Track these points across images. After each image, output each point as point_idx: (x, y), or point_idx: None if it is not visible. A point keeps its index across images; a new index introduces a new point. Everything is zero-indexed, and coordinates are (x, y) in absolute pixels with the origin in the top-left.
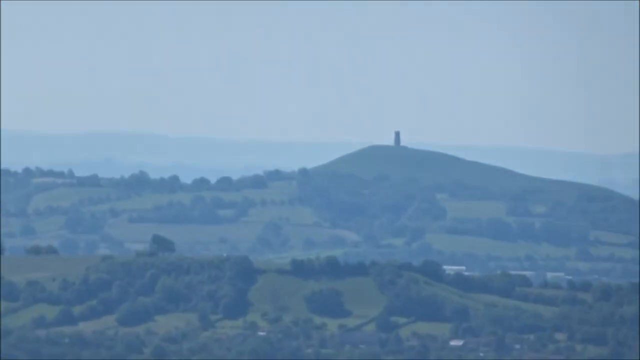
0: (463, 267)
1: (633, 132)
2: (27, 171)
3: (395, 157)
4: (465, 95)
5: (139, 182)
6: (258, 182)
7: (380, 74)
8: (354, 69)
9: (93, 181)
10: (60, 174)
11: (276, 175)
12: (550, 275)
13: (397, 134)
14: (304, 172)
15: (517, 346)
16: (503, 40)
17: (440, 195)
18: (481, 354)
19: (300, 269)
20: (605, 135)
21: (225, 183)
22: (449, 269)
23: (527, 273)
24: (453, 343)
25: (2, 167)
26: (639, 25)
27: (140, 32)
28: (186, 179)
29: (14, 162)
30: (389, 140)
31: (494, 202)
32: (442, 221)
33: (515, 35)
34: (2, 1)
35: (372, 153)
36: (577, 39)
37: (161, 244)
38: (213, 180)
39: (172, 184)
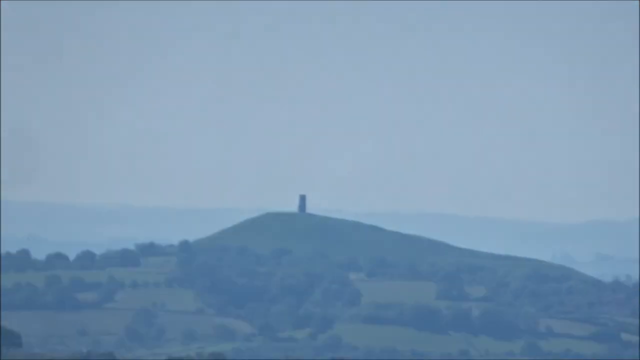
0: None
1: (594, 195)
2: None
3: (299, 226)
4: (384, 152)
5: None
6: (128, 258)
7: (276, 124)
8: (242, 117)
9: None
10: None
11: (150, 249)
12: None
13: (303, 198)
14: (185, 245)
15: None
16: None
17: (355, 274)
18: None
19: None
20: (560, 199)
21: (87, 259)
22: None
23: None
24: None
25: None
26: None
27: None
28: (38, 254)
29: None
30: (291, 206)
31: (421, 282)
32: (357, 307)
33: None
34: None
35: (270, 222)
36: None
37: (5, 336)
38: (72, 255)
39: (21, 260)
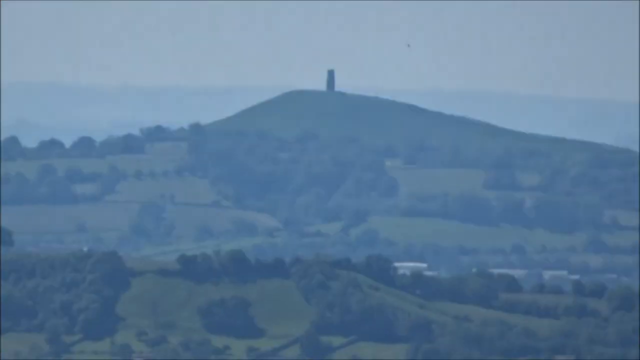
0: (424, 265)
1: None
2: None
3: (327, 106)
4: (424, 21)
5: None
6: (131, 144)
7: None
8: None
9: None
10: None
11: (157, 134)
12: (548, 274)
13: (331, 74)
14: (197, 129)
15: None
16: None
17: (391, 161)
18: None
19: (191, 269)
20: (624, 73)
21: (85, 147)
22: (404, 266)
23: (515, 272)
24: None
25: None
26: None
27: None
28: (29, 141)
29: None
30: (318, 84)
31: (467, 170)
32: (394, 199)
33: None
34: None
35: (294, 101)
36: None
37: None
38: (67, 142)
39: (9, 148)
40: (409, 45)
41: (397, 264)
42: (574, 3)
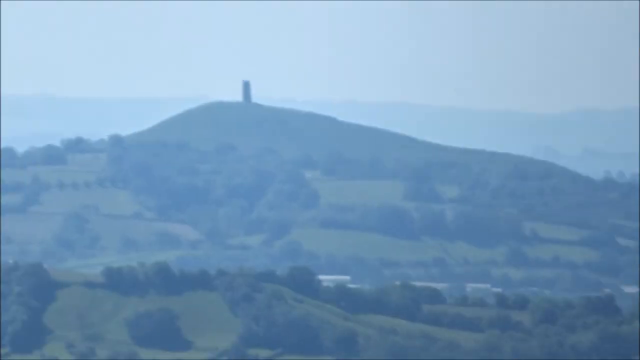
0: (347, 277)
1: (581, 82)
2: None
3: (245, 118)
4: (340, 31)
5: None
6: (53, 155)
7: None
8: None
9: None
10: None
11: (78, 145)
12: (470, 287)
13: (247, 85)
14: (117, 140)
15: None
16: None
17: (311, 172)
18: None
19: (117, 281)
20: (542, 86)
21: (7, 157)
22: (328, 279)
23: (437, 285)
24: None
25: None
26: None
27: None
28: None
29: None
30: (234, 95)
31: (387, 181)
32: (315, 210)
33: None
34: None
35: (212, 113)
36: None
37: None
38: None
39: None
40: None
41: (321, 277)
42: (487, 13)
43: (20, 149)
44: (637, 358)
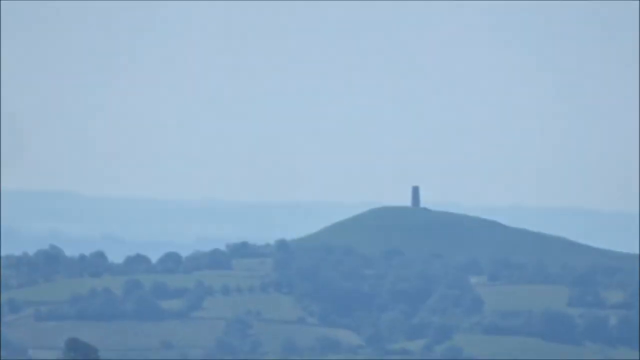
0: None
1: None
2: None
3: (412, 223)
4: (503, 138)
5: (48, 261)
6: (218, 260)
7: (385, 108)
8: (342, 102)
9: None
10: None
11: (243, 250)
12: None
13: (416, 190)
14: (282, 245)
15: None
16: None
17: (476, 278)
18: None
19: None
20: None
21: (172, 262)
22: None
23: None
24: None
25: None
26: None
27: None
28: (116, 256)
29: None
30: (403, 200)
31: (551, 286)
32: (478, 315)
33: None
34: None
35: (379, 218)
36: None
37: (80, 350)
38: (154, 258)
39: (95, 263)
40: None
41: None
42: None
43: (185, 253)
44: None
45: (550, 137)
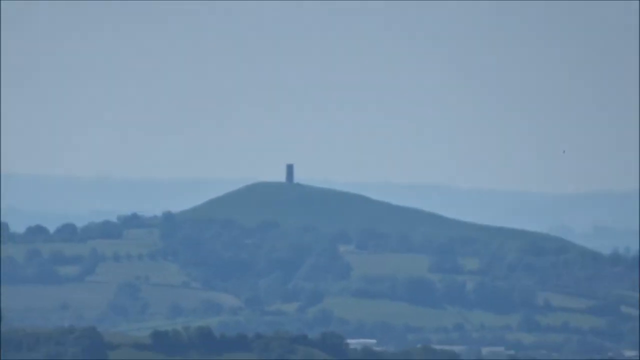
0: (374, 341)
1: (593, 166)
2: None
3: (286, 197)
4: (375, 120)
5: None
6: (110, 230)
7: (261, 90)
8: (224, 84)
9: None
10: None
11: (133, 221)
12: (486, 350)
13: (290, 168)
14: (168, 217)
15: None
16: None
17: (345, 247)
18: None
19: (164, 343)
20: (557, 170)
21: (68, 232)
22: (356, 342)
23: (456, 348)
24: None
25: None
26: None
27: None
28: (17, 226)
29: None
30: (278, 176)
31: (413, 255)
32: (347, 281)
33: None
34: None
35: (257, 193)
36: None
37: None
38: (52, 228)
39: None
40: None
41: (349, 340)
42: (510, 102)
43: (80, 224)
44: None
45: (414, 119)
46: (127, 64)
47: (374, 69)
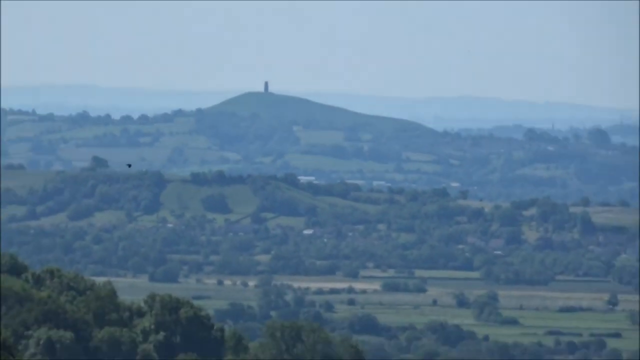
0: (313, 178)
1: (435, 76)
2: (3, 111)
3: (264, 101)
4: (316, 47)
5: (82, 119)
6: (167, 118)
7: (254, 32)
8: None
9: (50, 118)
10: (26, 113)
11: (180, 113)
12: (374, 183)
13: (266, 84)
14: (199, 111)
15: (350, 234)
16: None
17: (297, 127)
18: (325, 240)
19: (197, 179)
20: (411, 80)
21: (144, 119)
22: (303, 179)
23: (358, 182)
24: (305, 232)
25: None
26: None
27: None
28: (116, 116)
29: None
30: (260, 88)
31: (335, 132)
32: (298, 146)
33: None
34: None
35: (248, 98)
36: None
37: (99, 162)
38: (135, 117)
39: (106, 120)
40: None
41: (300, 177)
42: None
43: (151, 114)
44: None
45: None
46: None
47: None
